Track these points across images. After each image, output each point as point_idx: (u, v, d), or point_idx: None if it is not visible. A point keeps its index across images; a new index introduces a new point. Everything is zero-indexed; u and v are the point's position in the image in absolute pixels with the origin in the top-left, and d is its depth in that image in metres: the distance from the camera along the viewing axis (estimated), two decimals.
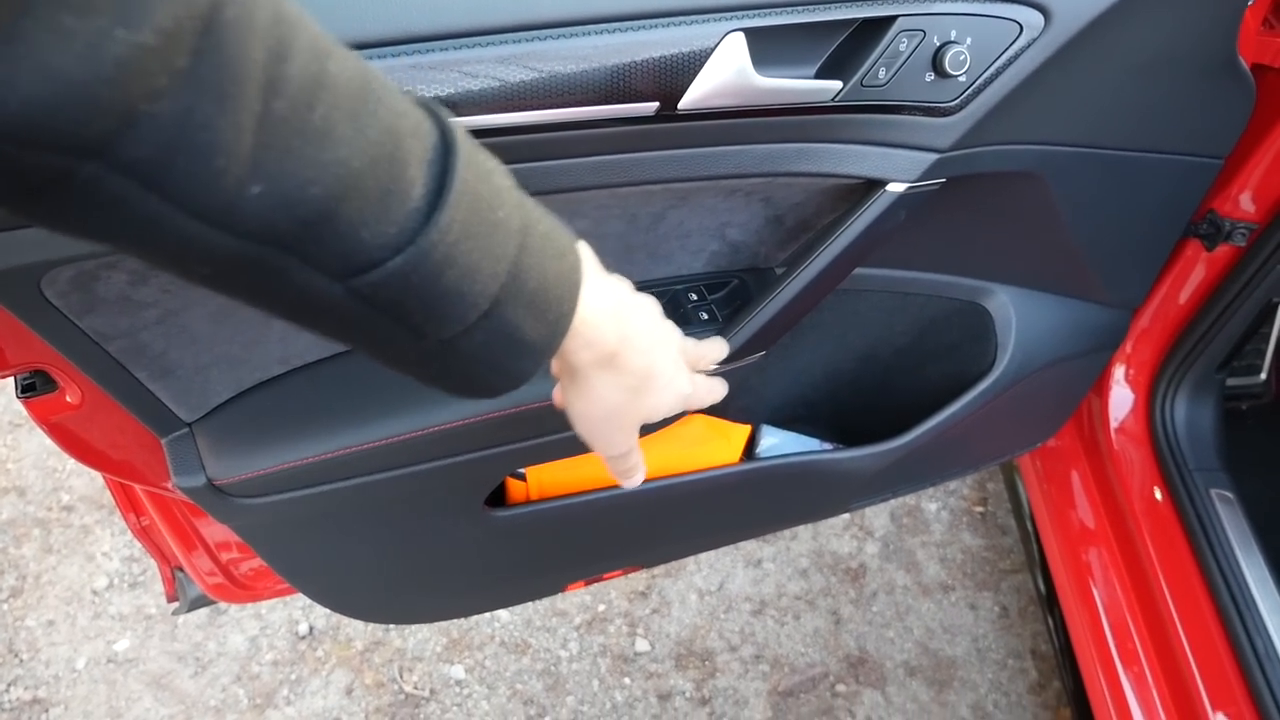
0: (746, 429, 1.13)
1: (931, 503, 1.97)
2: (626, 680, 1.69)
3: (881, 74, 0.77)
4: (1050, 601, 1.59)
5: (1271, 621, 1.25)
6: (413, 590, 1.15)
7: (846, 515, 1.94)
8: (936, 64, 0.78)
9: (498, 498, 1.07)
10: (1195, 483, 1.40)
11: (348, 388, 0.89)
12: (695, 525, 1.20)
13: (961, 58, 0.78)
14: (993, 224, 1.01)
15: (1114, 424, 1.49)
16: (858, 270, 1.07)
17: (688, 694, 1.68)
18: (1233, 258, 1.30)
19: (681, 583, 1.83)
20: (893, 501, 1.97)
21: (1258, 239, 1.26)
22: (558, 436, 0.97)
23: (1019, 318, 1.11)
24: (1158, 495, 1.42)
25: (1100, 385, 1.50)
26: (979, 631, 1.78)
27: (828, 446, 1.25)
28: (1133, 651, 1.36)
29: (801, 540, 1.90)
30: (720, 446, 1.11)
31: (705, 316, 0.96)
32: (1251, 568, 1.31)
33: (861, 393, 1.25)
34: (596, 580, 1.28)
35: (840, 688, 1.70)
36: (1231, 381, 1.70)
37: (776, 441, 1.26)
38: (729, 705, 1.67)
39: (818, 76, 0.77)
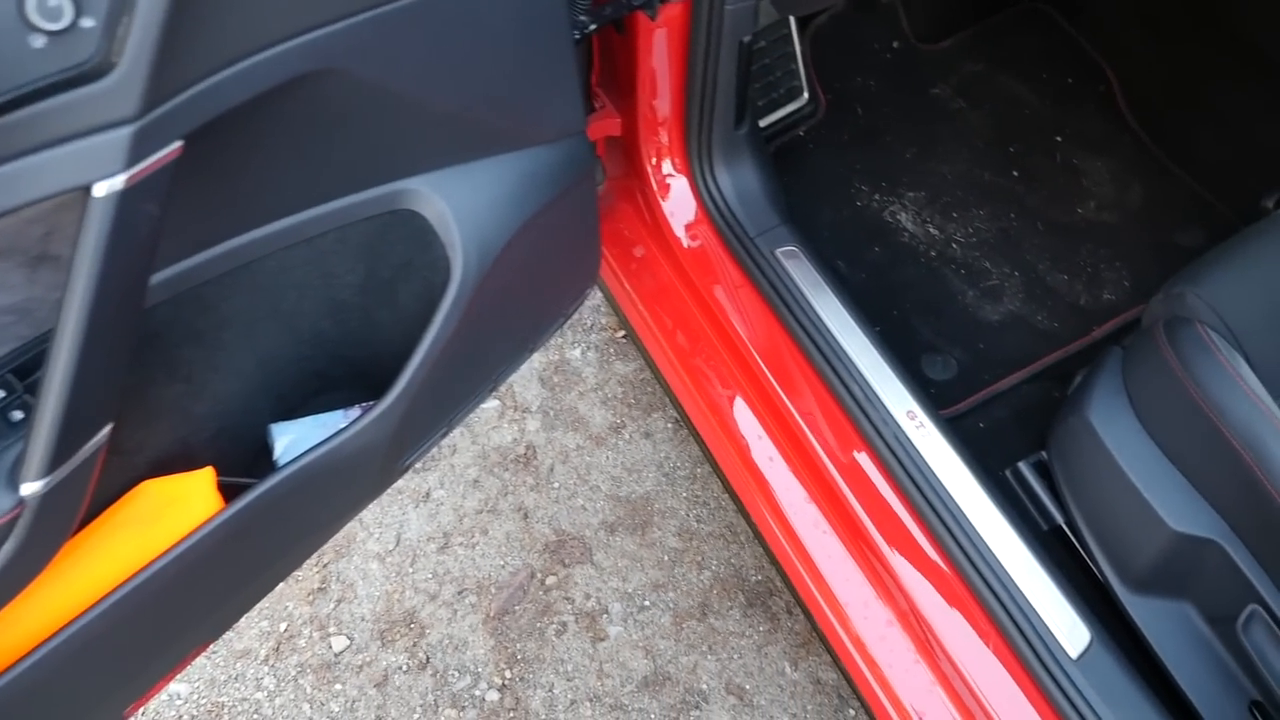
0: (206, 471, 0.92)
1: (574, 349, 1.86)
2: (338, 687, 1.55)
3: None
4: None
5: (861, 361, 1.22)
6: None
7: (497, 402, 1.81)
8: (29, 22, 0.54)
9: None
10: (759, 249, 1.32)
11: None
12: (229, 584, 1.01)
13: (53, 2, 0.54)
14: (333, 134, 0.81)
15: (676, 222, 1.39)
16: (230, 245, 0.85)
17: (404, 667, 1.56)
18: (685, 13, 1.16)
19: (356, 557, 1.66)
20: (538, 365, 1.85)
21: None
22: None
23: (453, 203, 0.93)
24: (732, 274, 1.35)
25: (659, 185, 1.38)
26: (660, 456, 1.74)
27: (355, 412, 1.07)
28: (754, 431, 1.31)
29: (462, 452, 1.75)
30: (184, 507, 0.90)
31: (19, 416, 0.73)
32: (830, 315, 1.26)
33: (359, 340, 1.07)
34: (159, 688, 1.08)
35: (550, 580, 1.62)
36: (782, 112, 1.63)
37: (293, 438, 1.06)
38: (450, 654, 1.56)
39: None
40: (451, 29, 0.79)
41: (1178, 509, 1.02)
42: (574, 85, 0.95)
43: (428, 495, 1.71)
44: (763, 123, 1.60)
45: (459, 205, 0.93)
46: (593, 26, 1.09)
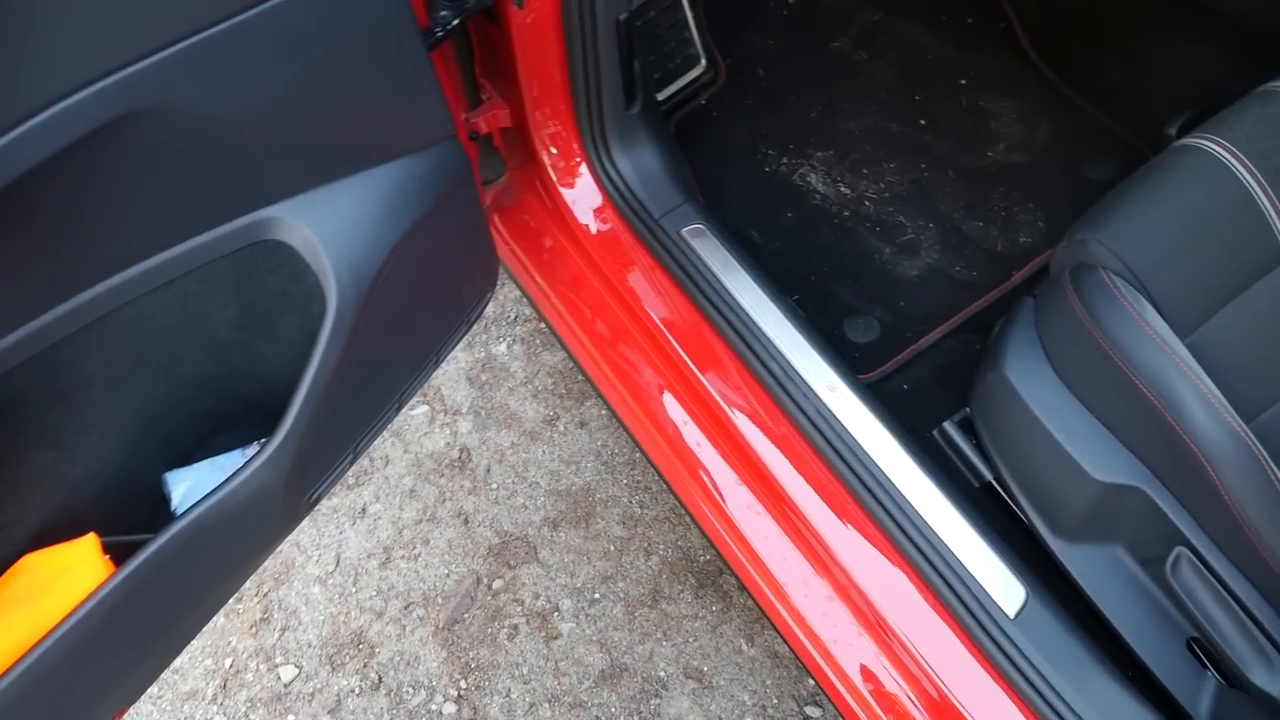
0: (88, 538, 0.87)
1: (499, 344, 1.81)
2: (290, 718, 1.51)
3: None
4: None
5: (777, 337, 1.20)
6: None
7: (426, 407, 1.76)
8: None
9: None
10: (665, 230, 1.29)
11: None
12: (137, 646, 0.97)
13: None
14: (171, 173, 0.75)
15: (580, 210, 1.34)
16: (76, 301, 0.80)
17: (357, 689, 1.52)
18: (556, 1, 1.11)
19: (296, 582, 1.62)
20: (464, 365, 1.80)
21: None
22: None
23: (319, 228, 0.88)
24: (642, 259, 1.31)
25: (558, 174, 1.33)
26: (597, 445, 1.70)
27: (254, 449, 1.03)
28: (679, 417, 1.28)
29: (395, 462, 1.71)
30: (72, 577, 0.86)
31: None
32: (742, 292, 1.23)
33: (247, 375, 1.02)
34: None
35: (497, 584, 1.60)
36: (680, 83, 1.59)
37: (190, 484, 1.02)
38: (402, 671, 1.53)
39: None
40: (280, 51, 0.74)
41: (1099, 459, 1.01)
42: (433, 90, 0.90)
43: (364, 510, 1.67)
44: (661, 95, 1.55)
45: (325, 229, 0.89)
46: (455, 21, 1.04)
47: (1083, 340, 0.98)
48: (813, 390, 1.16)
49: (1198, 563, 0.97)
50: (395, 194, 0.93)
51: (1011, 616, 1.03)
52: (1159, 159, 1.05)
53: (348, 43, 0.78)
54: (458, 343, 1.23)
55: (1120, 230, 0.99)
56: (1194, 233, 0.99)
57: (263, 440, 1.02)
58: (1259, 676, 0.95)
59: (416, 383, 1.15)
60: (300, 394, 0.92)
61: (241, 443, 1.06)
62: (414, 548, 1.63)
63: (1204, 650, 1.06)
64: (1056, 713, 0.99)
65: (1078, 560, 1.10)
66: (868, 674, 1.12)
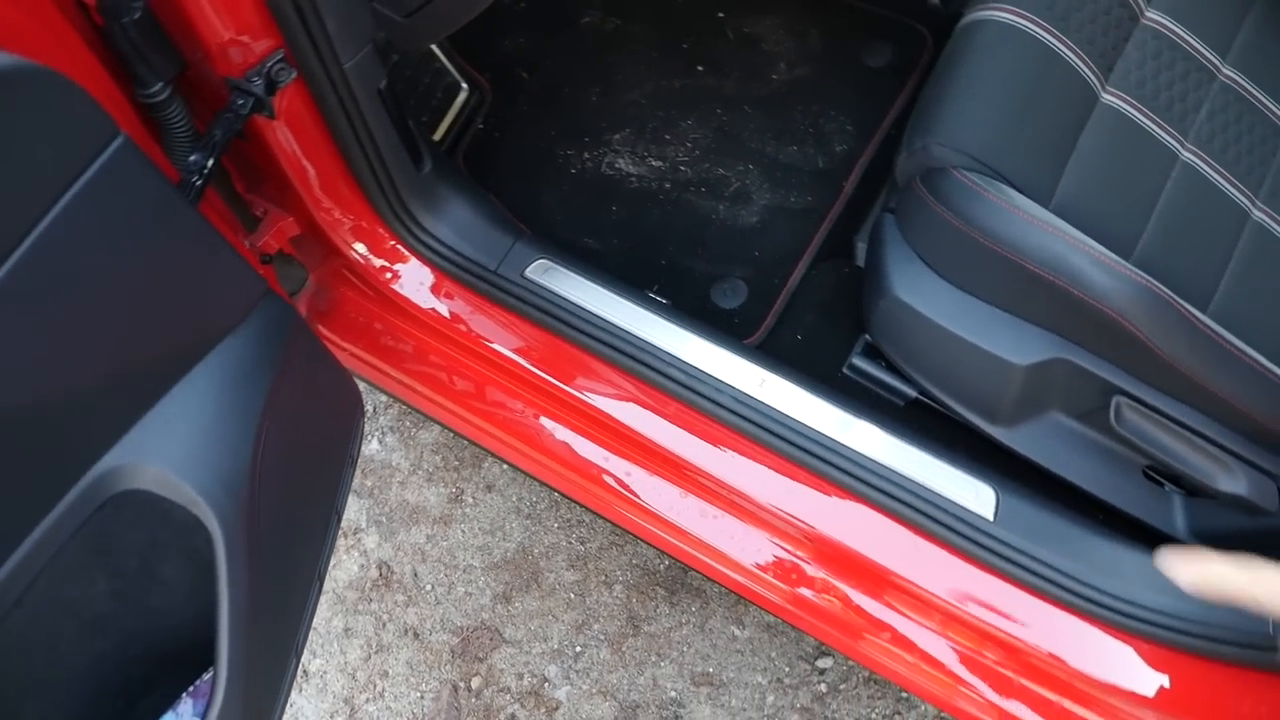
0: None
1: (370, 443, 1.68)
2: None
3: None
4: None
5: (667, 343, 1.14)
6: None
7: None
8: None
9: None
10: (509, 280, 1.20)
11: None
12: None
13: None
14: None
15: (412, 293, 1.23)
16: None
17: None
18: (303, 91, 0.99)
19: None
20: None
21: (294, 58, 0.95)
22: None
23: (166, 458, 0.75)
24: (502, 318, 1.22)
25: (375, 267, 1.22)
26: (514, 502, 1.62)
27: (185, 704, 0.90)
28: (599, 456, 1.22)
29: (317, 609, 1.57)
30: None
31: None
32: (614, 311, 1.17)
33: (147, 632, 0.89)
34: None
35: (475, 682, 1.50)
36: (450, 116, 1.48)
37: None
38: None
39: None
40: (31, 310, 0.61)
41: (1015, 344, 1.02)
42: (228, 255, 0.78)
43: (306, 672, 1.53)
44: (437, 135, 1.45)
45: (173, 455, 0.76)
46: (211, 161, 0.91)
47: (961, 242, 0.98)
48: (724, 382, 1.12)
49: (1137, 405, 1.00)
50: (236, 379, 0.81)
51: (991, 519, 1.04)
52: (957, 44, 1.05)
53: (109, 258, 0.66)
54: (350, 482, 1.11)
55: (954, 126, 0.98)
56: (1020, 104, 0.99)
57: (191, 689, 0.90)
58: (1225, 484, 0.99)
59: (329, 548, 1.03)
60: (223, 637, 0.80)
61: (169, 701, 0.93)
62: (375, 686, 1.51)
63: (1159, 473, 1.11)
64: (1061, 587, 1.02)
65: (1023, 439, 1.12)
66: (883, 625, 1.12)
